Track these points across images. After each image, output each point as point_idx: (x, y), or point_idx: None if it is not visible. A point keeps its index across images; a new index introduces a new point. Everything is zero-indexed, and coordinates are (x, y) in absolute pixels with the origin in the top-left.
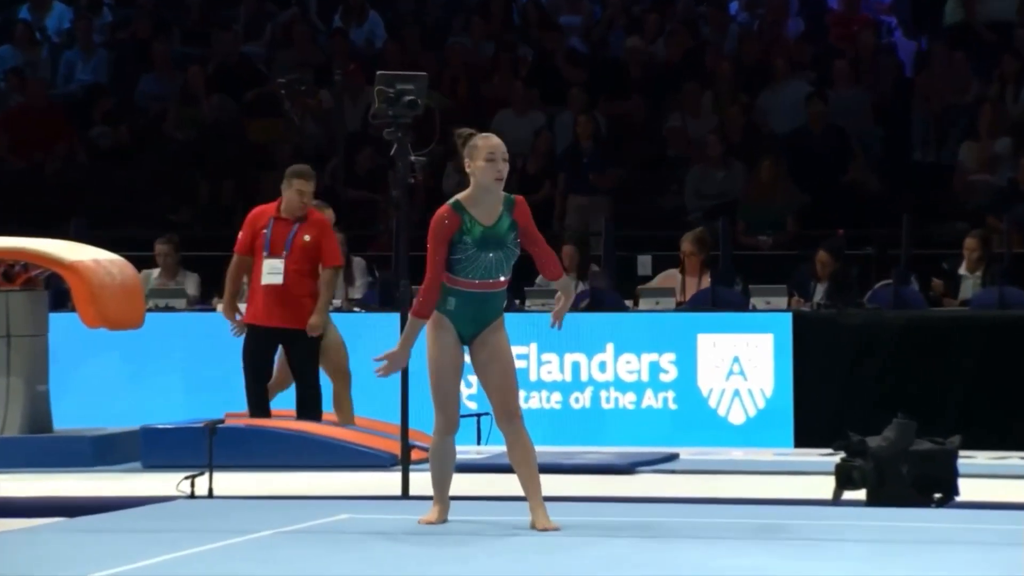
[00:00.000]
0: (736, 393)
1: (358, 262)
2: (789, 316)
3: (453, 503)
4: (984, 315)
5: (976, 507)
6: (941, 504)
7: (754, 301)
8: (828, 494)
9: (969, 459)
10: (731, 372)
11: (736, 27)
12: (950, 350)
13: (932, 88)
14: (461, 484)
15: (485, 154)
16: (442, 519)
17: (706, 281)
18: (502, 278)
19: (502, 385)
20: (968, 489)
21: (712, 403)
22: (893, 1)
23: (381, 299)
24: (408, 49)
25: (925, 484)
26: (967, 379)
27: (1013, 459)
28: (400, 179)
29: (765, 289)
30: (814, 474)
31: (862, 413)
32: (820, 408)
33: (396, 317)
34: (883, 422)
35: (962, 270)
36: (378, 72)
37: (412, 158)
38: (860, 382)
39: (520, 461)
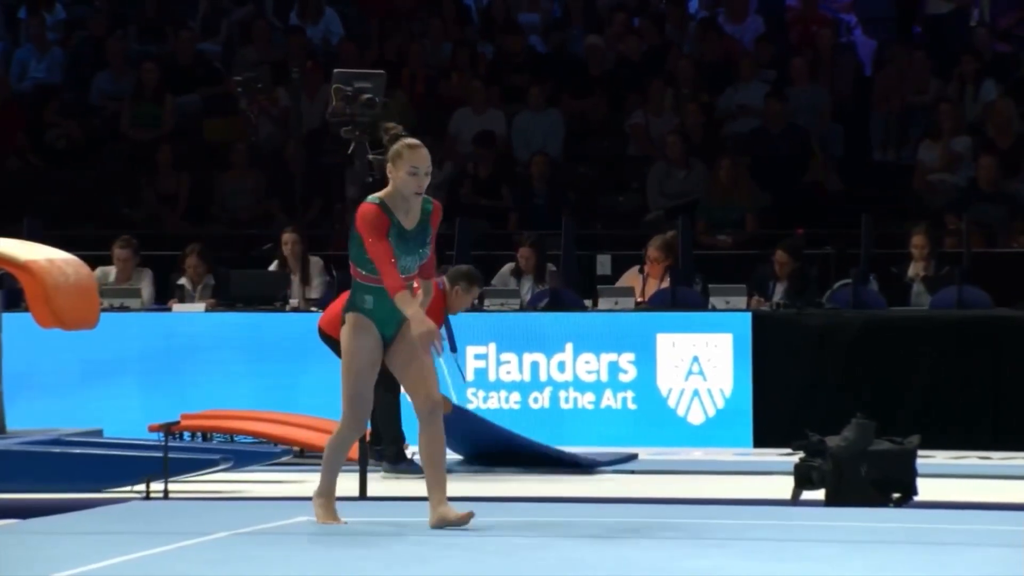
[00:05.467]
0: (695, 393)
1: (315, 261)
2: (748, 316)
3: (413, 504)
4: (943, 315)
5: (935, 507)
6: (900, 504)
7: (713, 301)
8: (787, 494)
9: (928, 459)
10: (690, 372)
11: (696, 25)
12: (909, 350)
13: (892, 87)
14: (418, 486)
15: (408, 167)
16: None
17: (666, 281)
18: (412, 274)
19: (427, 376)
20: (927, 489)
21: (671, 403)
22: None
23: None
24: (366, 47)
25: (884, 484)
26: (926, 379)
27: (971, 459)
28: (358, 177)
29: (724, 289)
30: (773, 474)
31: (821, 413)
32: (779, 408)
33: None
34: (842, 422)
35: (911, 272)
36: (336, 70)
37: (370, 157)
38: (819, 382)
39: (434, 458)
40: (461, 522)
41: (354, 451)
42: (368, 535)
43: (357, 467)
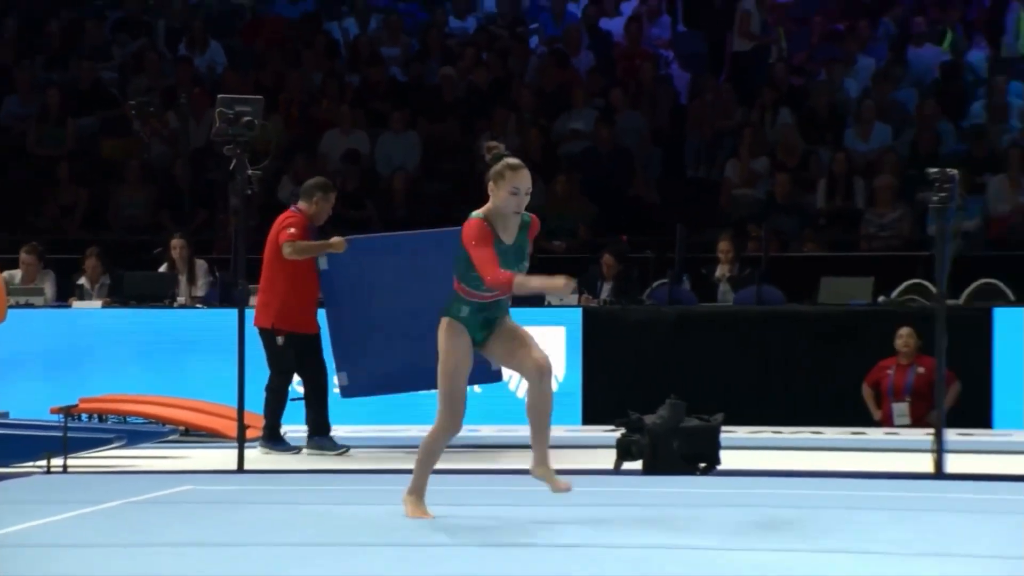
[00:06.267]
0: None
1: (200, 264)
2: (579, 311)
3: (285, 475)
4: (745, 310)
5: (735, 475)
6: (705, 472)
7: (549, 298)
8: (611, 465)
9: (730, 433)
10: None
11: (536, 59)
12: (716, 340)
13: (703, 114)
14: (291, 461)
15: (510, 187)
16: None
17: None
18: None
19: (530, 345)
20: (729, 459)
21: (512, 386)
22: (671, 36)
23: (221, 297)
24: (246, 75)
25: (692, 456)
26: (730, 365)
27: (766, 433)
28: (239, 190)
29: None
30: (599, 448)
31: (641, 395)
32: (605, 391)
33: (234, 313)
34: (658, 402)
35: (718, 273)
36: (219, 96)
37: (249, 172)
38: (640, 368)
39: (541, 416)
40: (557, 489)
41: (232, 429)
42: (244, 503)
43: (236, 444)
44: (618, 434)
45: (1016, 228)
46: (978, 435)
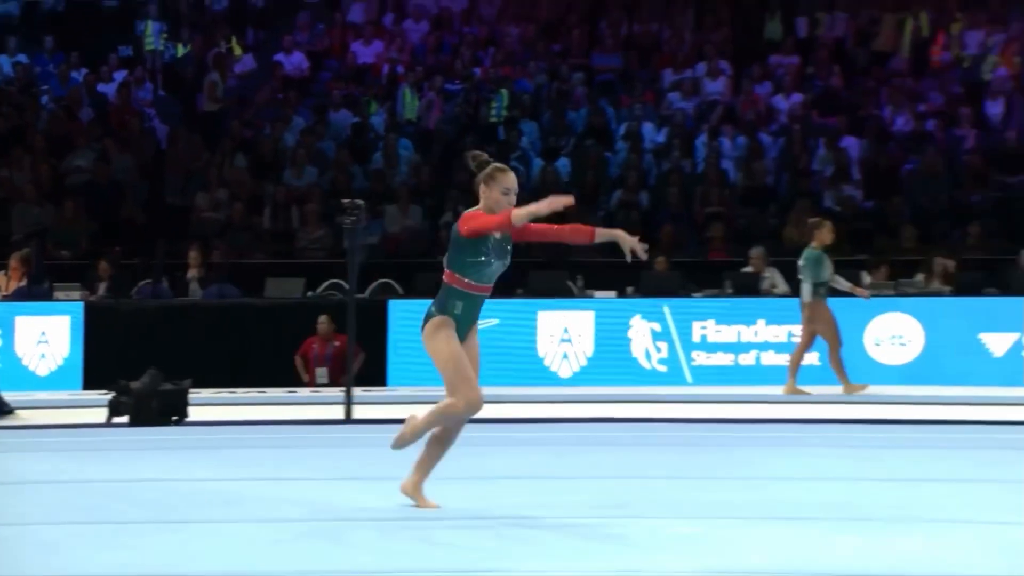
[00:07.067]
0: (43, 355)
1: None
2: (82, 304)
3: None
4: (210, 303)
5: (200, 424)
6: (177, 424)
7: (59, 294)
8: (104, 419)
9: (197, 394)
10: (40, 341)
11: (46, 113)
12: (188, 325)
13: (179, 157)
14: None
15: (501, 188)
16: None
17: (24, 281)
18: (492, 283)
19: (475, 378)
20: (196, 413)
21: (24, 363)
22: (153, 98)
23: None
24: None
25: (167, 411)
26: (199, 343)
27: (224, 393)
28: None
29: (68, 286)
30: (96, 407)
31: (130, 366)
32: (102, 364)
33: None
34: (142, 372)
35: (190, 275)
36: None
37: None
38: (129, 347)
39: (449, 441)
40: (421, 505)
41: None
42: None
43: None
44: (110, 396)
45: (404, 243)
46: (377, 391)
